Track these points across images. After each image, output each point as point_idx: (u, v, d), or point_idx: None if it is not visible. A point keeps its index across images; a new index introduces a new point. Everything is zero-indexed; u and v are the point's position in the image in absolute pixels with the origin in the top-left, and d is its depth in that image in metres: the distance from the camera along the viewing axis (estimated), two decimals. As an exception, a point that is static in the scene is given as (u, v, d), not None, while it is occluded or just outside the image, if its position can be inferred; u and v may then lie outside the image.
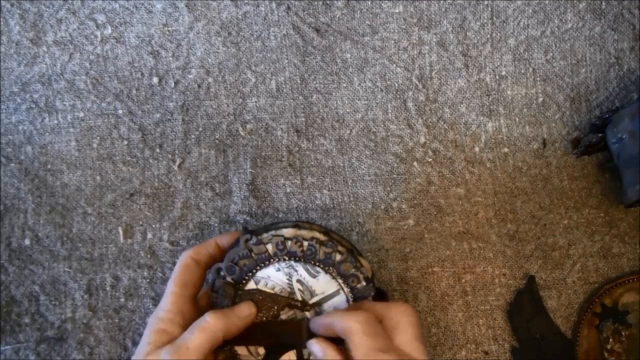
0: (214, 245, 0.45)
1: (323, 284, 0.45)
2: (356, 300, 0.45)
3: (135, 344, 0.50)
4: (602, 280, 0.53)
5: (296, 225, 0.45)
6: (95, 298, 0.51)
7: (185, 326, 0.41)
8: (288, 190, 0.53)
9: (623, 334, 0.52)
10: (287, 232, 0.45)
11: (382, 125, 0.54)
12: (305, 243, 0.44)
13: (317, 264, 0.44)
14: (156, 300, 0.51)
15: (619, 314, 0.52)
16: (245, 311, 0.43)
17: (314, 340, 0.42)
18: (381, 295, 0.46)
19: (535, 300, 0.52)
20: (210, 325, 0.41)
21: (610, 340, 0.52)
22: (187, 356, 0.39)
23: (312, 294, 0.45)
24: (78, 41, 0.52)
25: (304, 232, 0.45)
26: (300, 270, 0.45)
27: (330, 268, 0.44)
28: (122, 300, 0.51)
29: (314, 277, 0.45)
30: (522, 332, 0.52)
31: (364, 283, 0.44)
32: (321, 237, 0.45)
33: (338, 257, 0.44)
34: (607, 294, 0.52)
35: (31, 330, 0.50)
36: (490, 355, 0.52)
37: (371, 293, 0.44)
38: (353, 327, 0.39)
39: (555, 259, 0.53)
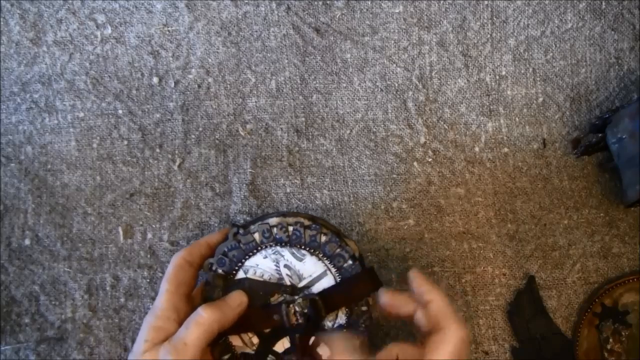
0: (205, 246, 0.46)
1: (310, 267, 0.45)
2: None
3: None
4: (602, 280, 0.53)
5: (282, 214, 0.46)
6: (95, 298, 0.51)
7: (181, 323, 0.42)
8: (288, 190, 0.53)
9: (623, 334, 0.52)
10: (273, 220, 0.46)
11: (382, 125, 0.54)
12: (290, 228, 0.45)
13: (303, 247, 0.45)
14: (156, 300, 0.51)
15: (619, 314, 0.52)
16: (236, 300, 0.44)
17: (387, 291, 0.43)
18: (371, 274, 0.46)
19: (535, 300, 0.52)
20: (205, 319, 0.41)
21: (610, 340, 0.52)
22: (185, 352, 0.39)
23: (300, 277, 0.45)
24: (78, 41, 0.52)
25: (289, 219, 0.46)
26: (287, 255, 0.45)
27: (316, 250, 0.45)
28: (122, 300, 0.51)
29: (301, 260, 0.45)
30: (522, 332, 0.52)
31: (350, 262, 0.45)
32: (305, 221, 0.45)
33: (323, 238, 0.45)
34: (607, 294, 0.52)
35: (31, 330, 0.50)
36: (490, 355, 0.52)
37: (357, 271, 0.45)
38: (460, 336, 0.39)
39: (555, 259, 0.53)
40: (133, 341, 0.50)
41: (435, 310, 0.41)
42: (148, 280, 0.51)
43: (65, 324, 0.50)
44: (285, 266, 0.45)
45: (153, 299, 0.51)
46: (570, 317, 0.52)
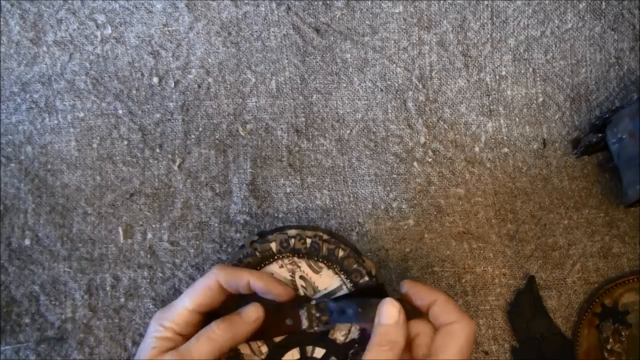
0: (246, 285, 0.42)
1: (326, 280, 0.45)
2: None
3: (135, 343, 0.50)
4: (602, 280, 0.53)
5: (301, 227, 0.46)
6: (95, 298, 0.51)
7: (190, 337, 0.41)
8: (288, 190, 0.53)
9: (623, 334, 0.52)
10: (292, 231, 0.45)
11: (382, 125, 0.54)
12: (309, 240, 0.44)
13: (320, 259, 0.45)
14: (156, 300, 0.51)
15: (619, 314, 0.52)
16: (252, 315, 0.42)
17: (393, 302, 0.41)
18: (381, 290, 0.45)
19: (535, 300, 0.52)
20: (218, 336, 0.40)
21: (610, 340, 0.52)
22: None
23: (315, 290, 0.45)
24: (78, 41, 0.52)
25: (308, 232, 0.45)
26: (304, 267, 0.45)
27: (333, 264, 0.44)
28: (122, 300, 0.51)
29: (317, 272, 0.45)
30: (522, 332, 0.52)
31: (366, 278, 0.44)
32: (324, 235, 0.45)
33: (341, 253, 0.44)
34: (607, 294, 0.52)
35: (31, 330, 0.50)
36: (490, 355, 0.52)
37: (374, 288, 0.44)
38: (467, 330, 0.39)
39: (555, 259, 0.53)
40: (133, 341, 0.50)
41: (441, 307, 0.40)
42: (148, 280, 0.51)
43: (65, 324, 0.50)
44: (301, 277, 0.45)
45: (153, 298, 0.51)
46: (570, 317, 0.52)
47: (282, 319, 0.43)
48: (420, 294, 0.42)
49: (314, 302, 0.44)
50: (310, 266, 0.45)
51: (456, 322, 0.39)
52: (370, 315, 0.42)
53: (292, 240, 0.44)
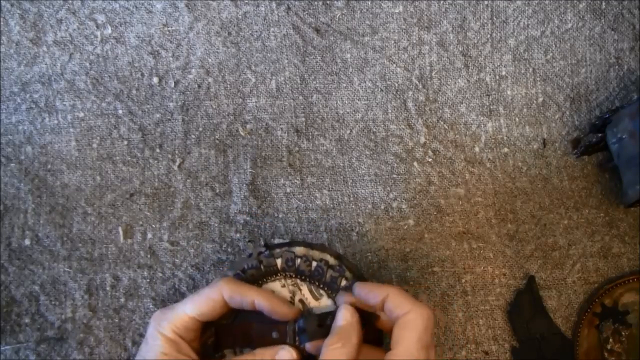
0: (250, 303, 0.42)
1: (324, 308, 0.45)
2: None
3: (135, 343, 0.50)
4: (602, 280, 0.53)
5: (309, 245, 0.45)
6: (95, 298, 0.51)
7: (190, 343, 0.42)
8: (288, 190, 0.53)
9: (623, 334, 0.52)
10: (299, 250, 0.45)
11: (382, 125, 0.54)
12: (314, 263, 0.44)
13: (322, 286, 0.45)
14: (156, 300, 0.51)
15: (619, 314, 0.52)
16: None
17: (347, 306, 0.41)
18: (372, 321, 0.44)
19: (535, 300, 0.52)
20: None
21: (610, 340, 0.52)
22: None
23: None
24: (78, 41, 0.52)
25: (316, 253, 0.45)
26: (305, 290, 0.45)
27: (334, 293, 0.44)
28: (122, 300, 0.51)
29: (317, 299, 0.45)
30: (522, 332, 0.52)
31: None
32: (331, 260, 0.45)
33: (343, 282, 0.44)
34: (607, 294, 0.52)
35: (31, 330, 0.50)
36: (490, 355, 0.52)
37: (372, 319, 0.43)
38: (423, 317, 0.39)
39: (555, 259, 0.53)
40: (133, 341, 0.50)
41: (394, 301, 0.40)
42: (148, 280, 0.51)
43: (65, 324, 0.50)
44: (300, 301, 0.45)
45: (153, 298, 0.51)
46: (570, 317, 0.52)
47: (269, 331, 0.43)
48: (371, 293, 0.42)
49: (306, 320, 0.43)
50: (311, 291, 0.45)
51: (410, 311, 0.39)
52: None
53: (298, 261, 0.44)
